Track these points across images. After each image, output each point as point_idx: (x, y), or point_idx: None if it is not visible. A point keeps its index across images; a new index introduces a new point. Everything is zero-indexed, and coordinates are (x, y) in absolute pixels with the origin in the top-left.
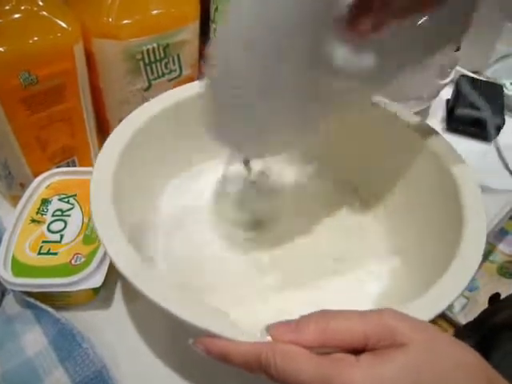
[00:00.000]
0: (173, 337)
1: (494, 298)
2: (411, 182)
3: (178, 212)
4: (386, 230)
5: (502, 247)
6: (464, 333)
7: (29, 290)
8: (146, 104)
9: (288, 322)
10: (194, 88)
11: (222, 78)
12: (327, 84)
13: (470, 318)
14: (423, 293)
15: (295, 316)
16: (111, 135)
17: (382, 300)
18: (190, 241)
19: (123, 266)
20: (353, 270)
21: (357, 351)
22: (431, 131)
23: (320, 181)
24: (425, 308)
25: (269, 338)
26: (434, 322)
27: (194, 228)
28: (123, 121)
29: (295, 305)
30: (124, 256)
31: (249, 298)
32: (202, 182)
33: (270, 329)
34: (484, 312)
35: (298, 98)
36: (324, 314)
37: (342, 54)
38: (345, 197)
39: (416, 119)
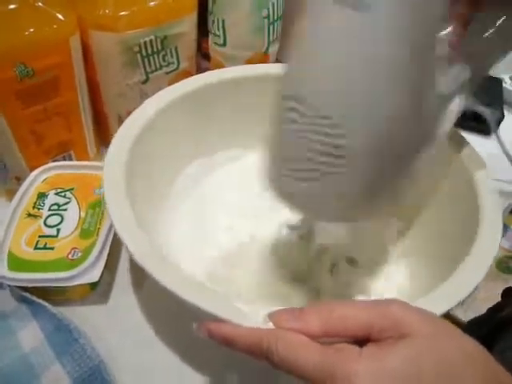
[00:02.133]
0: (171, 332)
1: (507, 293)
2: (429, 185)
3: (192, 202)
4: (401, 232)
5: (501, 242)
6: (472, 327)
7: (25, 284)
8: (162, 91)
9: (291, 310)
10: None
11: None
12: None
13: (469, 313)
14: (435, 288)
15: None
16: (126, 121)
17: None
18: (201, 233)
19: (132, 247)
20: (367, 272)
21: (361, 342)
22: (453, 134)
23: None
24: (433, 305)
25: (270, 325)
26: None
27: (208, 219)
28: (142, 105)
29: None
30: (135, 240)
31: (256, 294)
32: (219, 171)
33: (272, 316)
34: (493, 307)
35: (408, 149)
36: (328, 303)
37: (442, 78)
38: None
39: None
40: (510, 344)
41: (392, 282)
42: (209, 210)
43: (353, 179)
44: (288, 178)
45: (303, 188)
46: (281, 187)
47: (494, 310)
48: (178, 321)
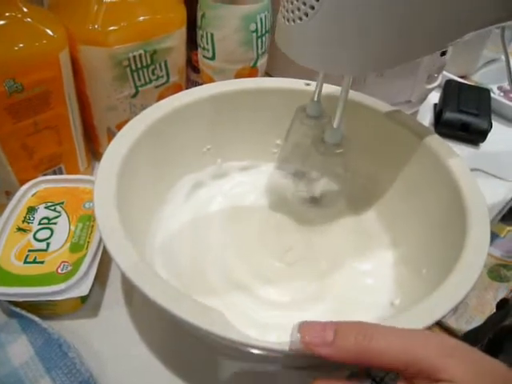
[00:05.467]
0: (162, 346)
1: (502, 304)
2: (415, 187)
3: (184, 216)
4: (390, 235)
5: (492, 250)
6: (471, 337)
7: (15, 299)
8: (154, 105)
9: (324, 327)
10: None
11: None
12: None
13: (462, 321)
14: (424, 298)
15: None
16: (118, 135)
17: (386, 306)
18: (192, 247)
19: (123, 263)
20: (356, 275)
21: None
22: (435, 138)
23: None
24: (424, 314)
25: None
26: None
27: (201, 233)
28: (133, 119)
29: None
30: (124, 255)
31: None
32: (211, 186)
33: (303, 334)
34: (491, 317)
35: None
36: (365, 328)
37: None
38: (351, 199)
39: (418, 124)
40: None
41: (382, 293)
42: (202, 225)
43: (325, 23)
44: (283, 20)
45: (292, 28)
46: (278, 32)
47: (492, 320)
48: (169, 334)
